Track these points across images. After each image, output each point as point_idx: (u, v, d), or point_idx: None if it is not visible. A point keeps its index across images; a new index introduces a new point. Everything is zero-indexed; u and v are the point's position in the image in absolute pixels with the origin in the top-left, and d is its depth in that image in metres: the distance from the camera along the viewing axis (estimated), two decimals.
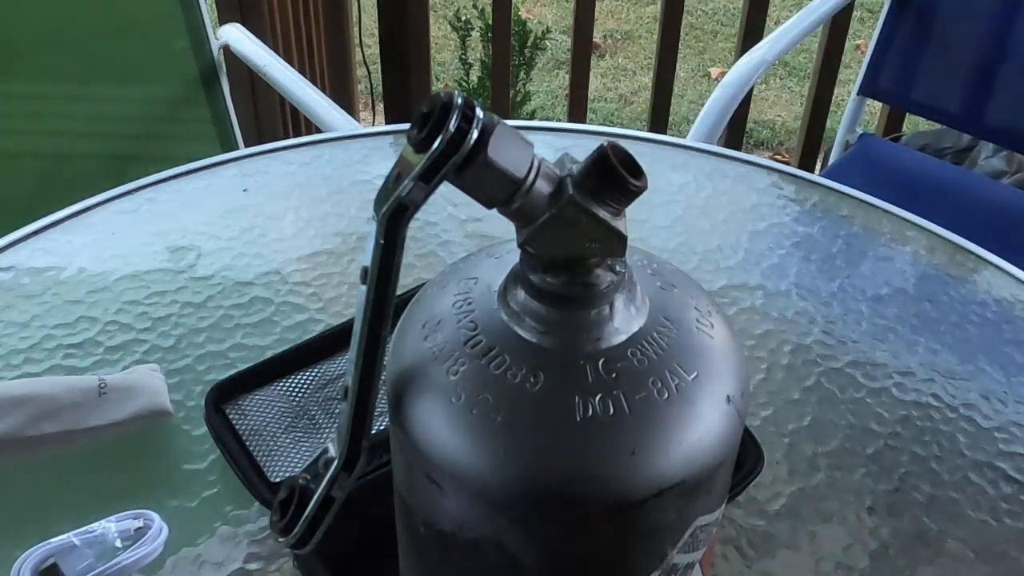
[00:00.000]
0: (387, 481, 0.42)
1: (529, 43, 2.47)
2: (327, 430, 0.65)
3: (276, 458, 0.63)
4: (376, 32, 1.88)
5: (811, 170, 1.90)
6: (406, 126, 0.35)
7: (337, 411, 0.66)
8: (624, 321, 0.37)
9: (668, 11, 1.81)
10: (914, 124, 2.25)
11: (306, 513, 0.38)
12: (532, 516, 0.37)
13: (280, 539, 0.39)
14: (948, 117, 1.63)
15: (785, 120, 2.79)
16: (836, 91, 1.87)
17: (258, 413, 0.66)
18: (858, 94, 1.60)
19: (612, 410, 0.35)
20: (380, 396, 0.38)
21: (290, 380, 0.68)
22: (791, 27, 1.50)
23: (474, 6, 2.52)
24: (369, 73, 2.03)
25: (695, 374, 0.37)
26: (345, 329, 0.70)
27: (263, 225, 0.85)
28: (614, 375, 0.36)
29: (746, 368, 0.39)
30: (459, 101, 0.33)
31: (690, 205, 0.89)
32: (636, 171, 0.34)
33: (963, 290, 0.82)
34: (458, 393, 0.36)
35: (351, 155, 0.94)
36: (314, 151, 0.94)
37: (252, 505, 0.62)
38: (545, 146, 0.93)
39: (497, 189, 0.34)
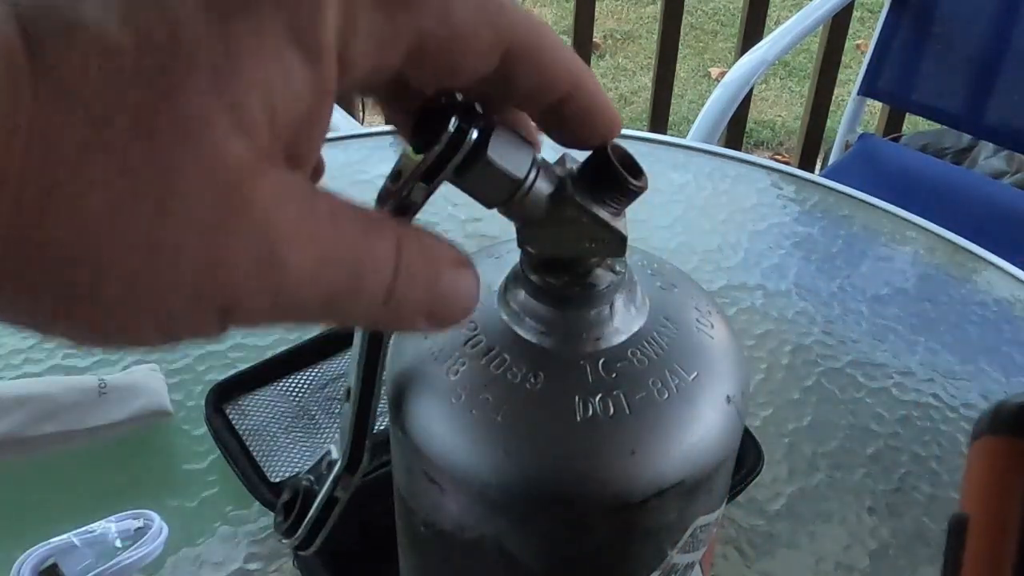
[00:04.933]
0: (387, 481, 0.42)
1: None
2: (327, 430, 0.65)
3: (276, 458, 0.63)
4: None
5: (811, 170, 1.90)
6: None
7: (338, 411, 0.66)
8: (624, 321, 0.37)
9: (668, 11, 1.81)
10: (914, 124, 2.25)
11: (310, 515, 0.38)
12: (532, 516, 0.37)
13: (284, 541, 0.39)
14: (948, 117, 1.64)
15: (785, 120, 2.80)
16: (836, 91, 1.87)
17: (258, 413, 0.66)
18: (858, 94, 1.60)
19: (612, 410, 0.35)
20: (381, 396, 0.38)
21: (290, 380, 0.68)
22: (791, 27, 1.50)
23: None
24: None
25: (695, 374, 0.37)
26: (346, 329, 0.70)
27: None
28: (614, 375, 0.36)
29: (746, 368, 0.39)
30: (459, 101, 0.33)
31: (690, 205, 0.89)
32: (636, 171, 0.34)
33: (963, 290, 0.82)
34: (458, 393, 0.36)
35: (351, 155, 0.94)
36: None
37: (252, 505, 0.62)
38: (545, 146, 0.92)
39: (497, 189, 0.34)
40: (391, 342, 0.39)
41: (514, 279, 0.38)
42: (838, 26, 1.75)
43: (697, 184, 0.92)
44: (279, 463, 0.63)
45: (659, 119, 1.95)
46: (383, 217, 0.25)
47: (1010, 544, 0.16)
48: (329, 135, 1.07)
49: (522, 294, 0.37)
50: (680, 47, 1.87)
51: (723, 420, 0.37)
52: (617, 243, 0.35)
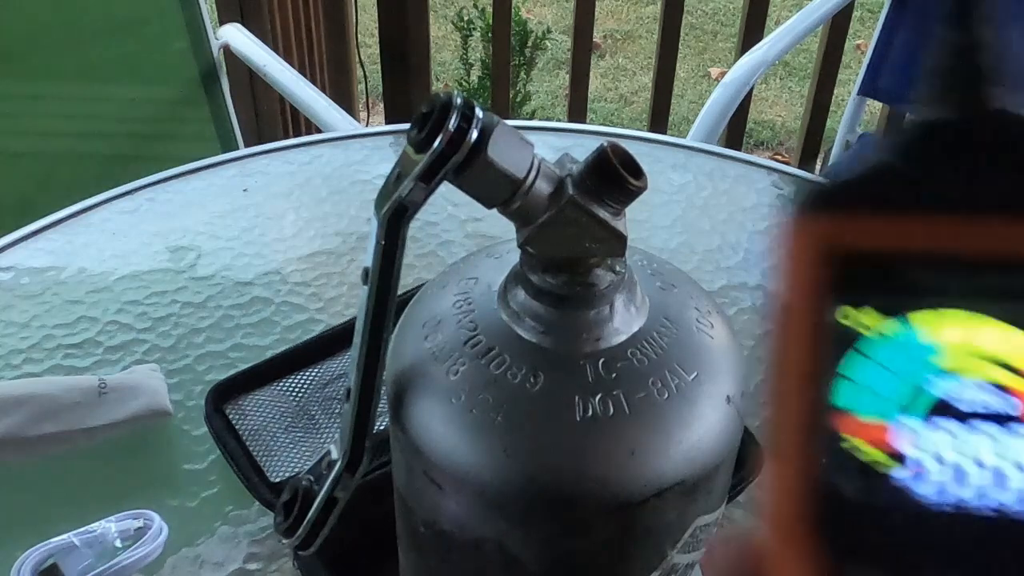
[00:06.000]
0: (387, 481, 0.42)
1: (529, 43, 2.47)
2: (327, 430, 0.65)
3: (276, 458, 0.63)
4: (376, 32, 1.88)
5: (811, 170, 1.90)
6: (406, 126, 0.35)
7: (338, 411, 0.66)
8: (624, 321, 0.37)
9: (668, 11, 1.81)
10: None
11: (310, 514, 0.38)
12: (532, 516, 0.37)
13: (284, 541, 0.39)
14: None
15: (785, 120, 2.80)
16: (836, 91, 1.86)
17: (258, 413, 0.66)
18: (858, 94, 1.60)
19: (612, 410, 0.35)
20: (381, 396, 0.38)
21: (290, 380, 0.68)
22: (791, 27, 1.50)
23: (475, 6, 2.52)
24: (365, 73, 2.03)
25: (695, 374, 0.37)
26: (346, 329, 0.70)
27: (263, 225, 0.85)
28: (614, 375, 0.36)
29: (746, 368, 0.39)
30: (459, 101, 0.33)
31: (690, 205, 0.89)
32: (636, 171, 0.34)
33: None
34: (458, 393, 0.36)
35: (351, 155, 0.94)
36: (314, 151, 0.94)
37: (252, 505, 0.62)
38: (545, 146, 0.93)
39: (497, 189, 0.34)
40: (391, 342, 0.39)
41: (514, 279, 0.38)
42: (838, 26, 1.75)
43: (697, 184, 0.92)
44: (279, 463, 0.63)
45: (659, 119, 1.94)
46: None
47: (808, 328, 0.18)
48: (329, 135, 1.06)
49: (522, 294, 0.37)
50: (680, 47, 1.87)
51: (723, 420, 0.37)
52: (617, 243, 0.35)
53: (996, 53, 0.18)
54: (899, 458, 0.17)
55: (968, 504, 0.17)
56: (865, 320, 0.18)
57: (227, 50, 1.39)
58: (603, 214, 0.35)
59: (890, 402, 0.17)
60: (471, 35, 2.52)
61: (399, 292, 0.37)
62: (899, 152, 0.19)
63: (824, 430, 0.18)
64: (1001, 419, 0.17)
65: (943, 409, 0.17)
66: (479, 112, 0.33)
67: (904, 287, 0.18)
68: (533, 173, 0.34)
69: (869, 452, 0.17)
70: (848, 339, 0.18)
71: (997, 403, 0.17)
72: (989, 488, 0.17)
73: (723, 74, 1.44)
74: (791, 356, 0.18)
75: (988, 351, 0.17)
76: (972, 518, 0.17)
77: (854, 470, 0.17)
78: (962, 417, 0.17)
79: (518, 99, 2.45)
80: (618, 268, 0.37)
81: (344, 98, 1.91)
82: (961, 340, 0.17)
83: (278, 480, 0.62)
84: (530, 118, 2.51)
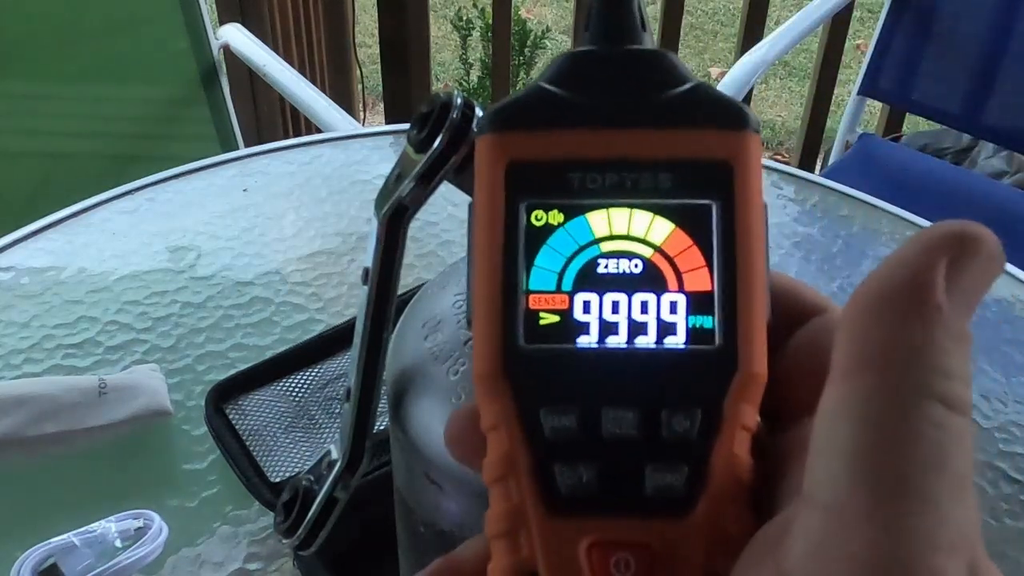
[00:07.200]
0: (387, 481, 0.42)
1: (529, 43, 2.47)
2: (327, 430, 0.65)
3: (276, 458, 0.63)
4: (376, 32, 1.88)
5: (811, 170, 1.90)
6: (406, 126, 0.35)
7: (338, 411, 0.66)
8: None
9: (668, 11, 1.81)
10: (914, 124, 2.25)
11: (310, 515, 0.38)
12: None
13: (284, 541, 0.39)
14: (948, 117, 1.63)
15: (785, 120, 2.80)
16: (836, 91, 1.86)
17: (258, 413, 0.66)
18: (858, 94, 1.60)
19: None
20: (381, 396, 0.38)
21: (290, 380, 0.68)
22: (791, 27, 1.50)
23: (474, 5, 2.52)
24: (362, 73, 2.03)
25: None
26: (346, 329, 0.70)
27: (263, 225, 0.85)
28: None
29: None
30: (459, 101, 0.33)
31: None
32: None
33: None
34: (458, 393, 0.36)
35: (351, 155, 0.94)
36: (314, 151, 0.94)
37: (252, 505, 0.62)
38: None
39: None
40: (391, 342, 0.39)
41: None
42: (838, 26, 1.75)
43: None
44: (279, 463, 0.63)
45: None
46: None
47: (497, 226, 0.22)
48: (329, 135, 1.06)
49: None
50: (680, 47, 1.87)
51: None
52: None
53: (640, 2, 0.23)
54: (573, 320, 0.22)
55: (623, 347, 0.22)
56: (548, 219, 0.22)
57: (227, 50, 1.39)
58: None
59: (565, 278, 0.22)
60: (471, 35, 2.52)
61: (399, 292, 0.37)
62: (555, 79, 0.23)
63: (514, 304, 0.21)
64: (639, 281, 0.22)
65: (601, 279, 0.22)
66: (479, 112, 0.33)
67: (570, 188, 0.22)
68: None
69: (549, 318, 0.22)
70: (535, 234, 0.22)
71: (638, 270, 0.22)
72: (635, 333, 0.22)
73: (723, 74, 1.44)
74: (486, 248, 0.22)
75: (632, 233, 0.22)
76: (628, 356, 0.21)
77: (540, 334, 0.22)
78: (615, 283, 0.22)
79: None
80: None
81: (344, 98, 1.91)
82: (615, 227, 0.22)
83: (278, 480, 0.62)
84: None
